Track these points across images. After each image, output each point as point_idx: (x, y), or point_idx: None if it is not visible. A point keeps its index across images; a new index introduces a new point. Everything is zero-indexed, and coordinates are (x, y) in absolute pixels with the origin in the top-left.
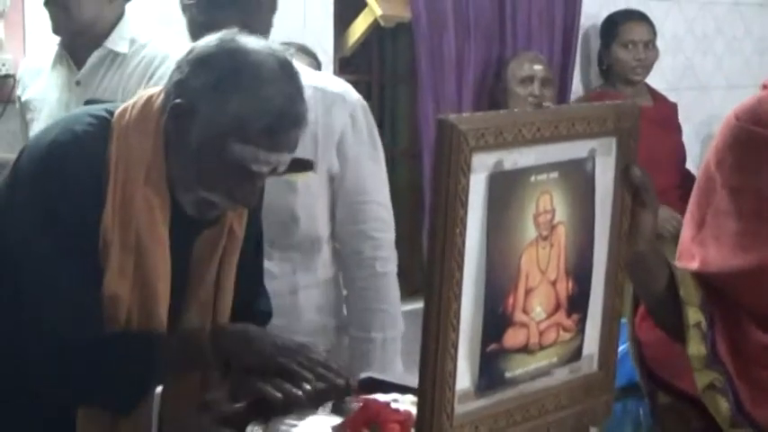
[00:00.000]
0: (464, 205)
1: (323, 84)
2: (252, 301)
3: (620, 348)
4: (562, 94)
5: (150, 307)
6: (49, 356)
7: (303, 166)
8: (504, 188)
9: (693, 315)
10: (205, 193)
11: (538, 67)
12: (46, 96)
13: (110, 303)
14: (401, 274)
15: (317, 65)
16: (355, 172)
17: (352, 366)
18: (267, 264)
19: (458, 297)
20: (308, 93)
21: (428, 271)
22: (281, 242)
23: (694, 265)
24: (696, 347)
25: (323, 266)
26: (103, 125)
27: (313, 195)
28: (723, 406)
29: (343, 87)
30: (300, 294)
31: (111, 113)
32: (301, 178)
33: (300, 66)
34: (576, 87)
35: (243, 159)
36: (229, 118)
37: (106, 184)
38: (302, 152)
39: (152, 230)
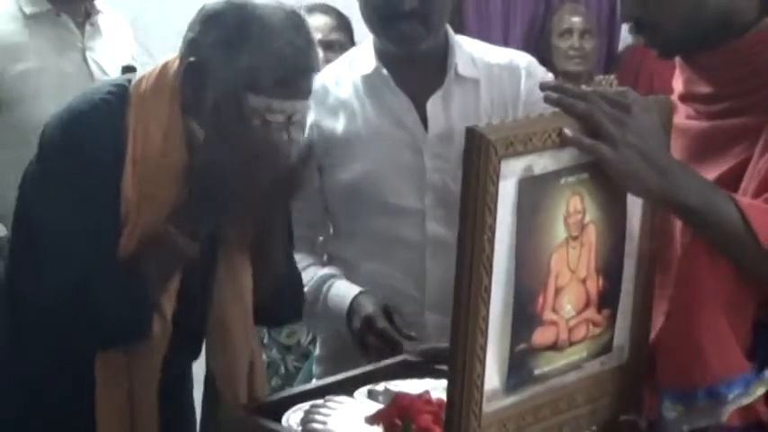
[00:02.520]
0: (492, 213)
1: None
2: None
3: None
4: (610, 44)
5: None
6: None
7: None
8: (534, 192)
9: None
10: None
11: (576, 19)
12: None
13: None
14: None
15: (338, 23)
16: None
17: None
18: None
19: (486, 302)
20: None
21: (456, 277)
22: None
23: None
24: None
25: None
26: (122, 93)
27: None
28: None
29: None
30: None
31: (131, 82)
32: None
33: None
34: (625, 36)
35: (257, 110)
36: (241, 71)
37: (125, 151)
38: None
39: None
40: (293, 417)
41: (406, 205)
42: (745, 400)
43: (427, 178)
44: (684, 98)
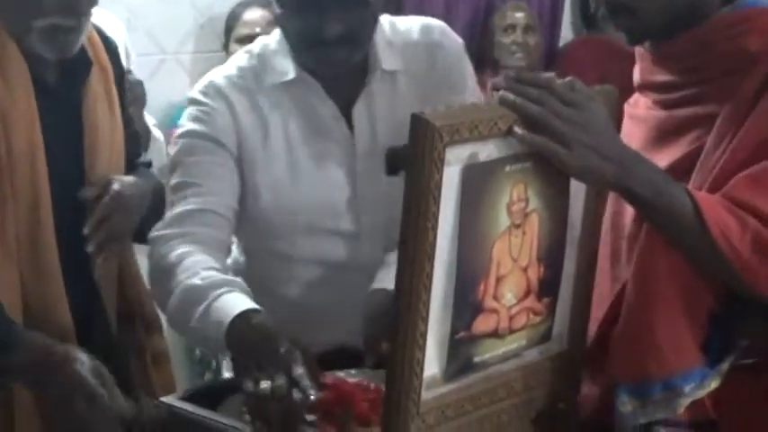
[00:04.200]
0: (436, 200)
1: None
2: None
3: None
4: (551, 39)
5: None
6: None
7: None
8: (479, 180)
9: None
10: (39, 20)
11: (519, 15)
12: None
13: None
14: None
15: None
16: None
17: None
18: None
19: (428, 289)
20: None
21: (399, 264)
22: None
23: None
24: None
25: None
26: None
27: None
28: None
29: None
30: None
31: None
32: None
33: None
34: (566, 32)
35: None
36: None
37: None
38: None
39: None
40: (230, 405)
41: (337, 228)
42: (701, 393)
43: (359, 198)
44: (642, 88)
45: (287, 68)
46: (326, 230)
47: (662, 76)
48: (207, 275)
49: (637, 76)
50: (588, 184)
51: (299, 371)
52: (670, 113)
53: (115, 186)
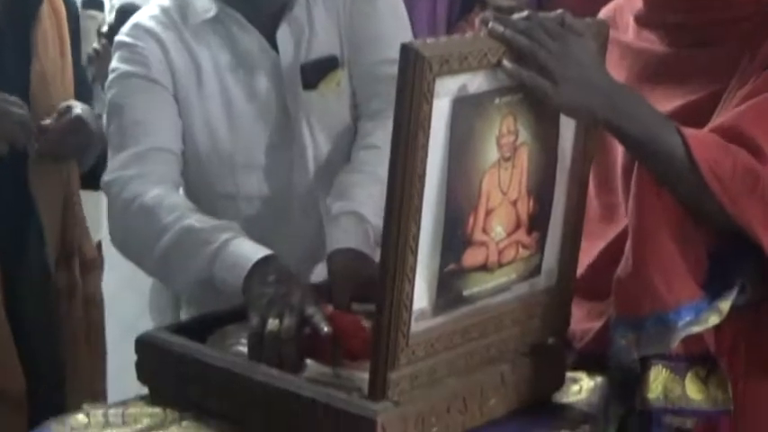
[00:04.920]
0: (426, 132)
1: None
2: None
3: None
4: None
5: None
6: None
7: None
8: (468, 112)
9: None
10: None
11: None
12: None
13: None
14: None
15: None
16: None
17: None
18: None
19: (417, 221)
20: None
21: (388, 195)
22: None
23: None
24: None
25: None
26: None
27: None
28: None
29: None
30: None
31: None
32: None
33: None
34: None
35: None
36: None
37: None
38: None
39: None
40: (217, 339)
41: (273, 160)
42: (696, 328)
43: (291, 122)
44: (645, 22)
45: (208, 6)
46: (263, 165)
47: (673, 16)
48: (201, 218)
49: (640, 7)
50: (577, 120)
51: (311, 310)
52: (678, 52)
53: (77, 110)
